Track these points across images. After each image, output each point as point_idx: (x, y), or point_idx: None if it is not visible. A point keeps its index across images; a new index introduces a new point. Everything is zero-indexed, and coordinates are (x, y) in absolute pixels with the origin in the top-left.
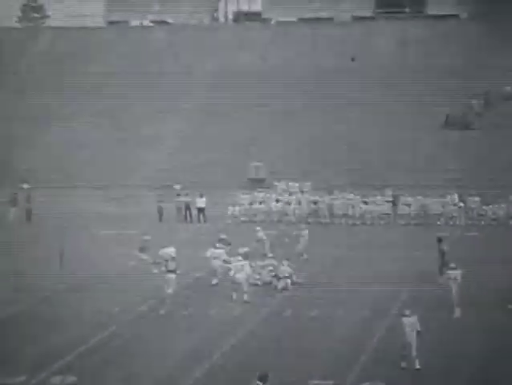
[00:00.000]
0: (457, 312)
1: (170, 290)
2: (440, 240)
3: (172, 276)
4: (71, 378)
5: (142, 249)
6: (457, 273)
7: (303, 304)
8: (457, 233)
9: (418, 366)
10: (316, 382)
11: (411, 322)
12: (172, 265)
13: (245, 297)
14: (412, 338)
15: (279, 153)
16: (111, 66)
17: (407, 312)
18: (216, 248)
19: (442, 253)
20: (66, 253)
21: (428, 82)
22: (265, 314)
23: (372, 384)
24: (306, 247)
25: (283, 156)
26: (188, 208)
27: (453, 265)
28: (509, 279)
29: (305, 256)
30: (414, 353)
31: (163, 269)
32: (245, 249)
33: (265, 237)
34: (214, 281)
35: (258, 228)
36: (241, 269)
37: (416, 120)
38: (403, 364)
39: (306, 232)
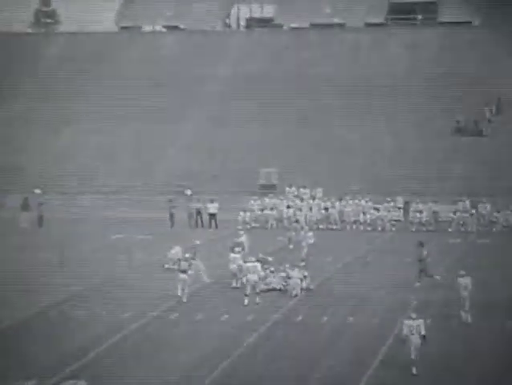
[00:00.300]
0: (467, 318)
1: (185, 291)
2: (421, 244)
3: (185, 276)
4: (82, 383)
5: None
6: (467, 281)
7: (314, 310)
8: (469, 239)
9: (414, 372)
10: None
11: (412, 326)
12: (184, 265)
13: (257, 299)
14: (413, 341)
15: (291, 159)
16: (122, 71)
17: (413, 315)
18: (233, 252)
19: (421, 258)
20: (72, 257)
21: (440, 89)
22: (275, 320)
23: None
24: (309, 251)
25: (295, 162)
26: (199, 213)
27: (462, 272)
28: None
29: (304, 263)
30: (413, 356)
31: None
32: (269, 258)
33: (246, 242)
34: (234, 284)
35: (241, 232)
36: (253, 271)
37: (427, 127)
38: (413, 370)
39: (310, 234)
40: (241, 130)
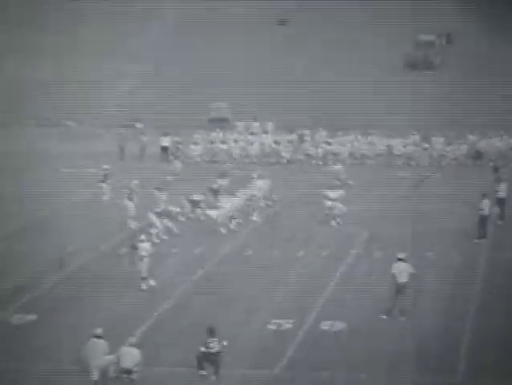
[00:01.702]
0: None
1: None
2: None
3: None
4: (31, 317)
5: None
6: None
7: (263, 244)
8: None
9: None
10: (276, 321)
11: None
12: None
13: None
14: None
15: (242, 93)
16: None
17: (400, 255)
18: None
19: None
20: (19, 191)
21: (387, 20)
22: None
23: (333, 323)
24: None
25: (246, 95)
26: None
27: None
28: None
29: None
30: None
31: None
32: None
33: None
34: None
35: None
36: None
37: (376, 60)
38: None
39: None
40: (190, 62)
